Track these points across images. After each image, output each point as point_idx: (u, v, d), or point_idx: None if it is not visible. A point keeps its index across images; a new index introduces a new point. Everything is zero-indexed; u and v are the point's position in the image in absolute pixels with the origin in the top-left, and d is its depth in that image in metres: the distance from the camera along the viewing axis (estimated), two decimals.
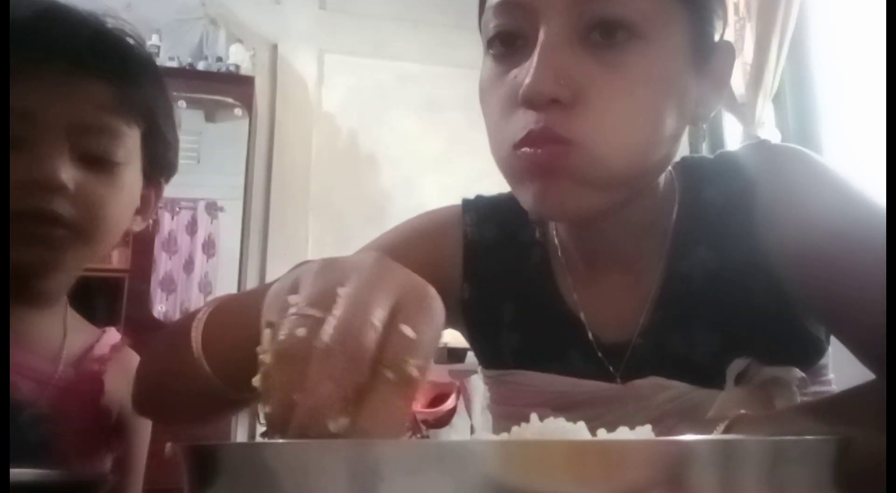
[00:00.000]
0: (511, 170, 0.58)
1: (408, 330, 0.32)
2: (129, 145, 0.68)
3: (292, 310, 0.33)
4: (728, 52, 0.61)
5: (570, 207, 0.56)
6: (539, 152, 0.54)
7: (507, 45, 0.58)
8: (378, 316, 0.32)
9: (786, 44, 2.32)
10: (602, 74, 0.54)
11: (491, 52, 0.59)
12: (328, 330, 0.32)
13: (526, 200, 0.58)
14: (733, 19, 2.50)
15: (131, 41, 0.71)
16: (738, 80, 2.47)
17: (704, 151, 2.75)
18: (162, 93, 0.73)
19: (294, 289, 0.36)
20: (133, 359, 0.78)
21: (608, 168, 0.55)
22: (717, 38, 0.61)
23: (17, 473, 0.44)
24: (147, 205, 0.75)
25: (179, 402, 0.59)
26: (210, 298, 3.15)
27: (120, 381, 0.73)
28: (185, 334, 0.55)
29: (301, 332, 0.32)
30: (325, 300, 0.33)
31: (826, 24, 2.44)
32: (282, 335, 0.32)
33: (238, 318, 0.51)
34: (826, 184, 0.60)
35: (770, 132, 2.39)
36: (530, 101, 0.53)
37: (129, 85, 0.67)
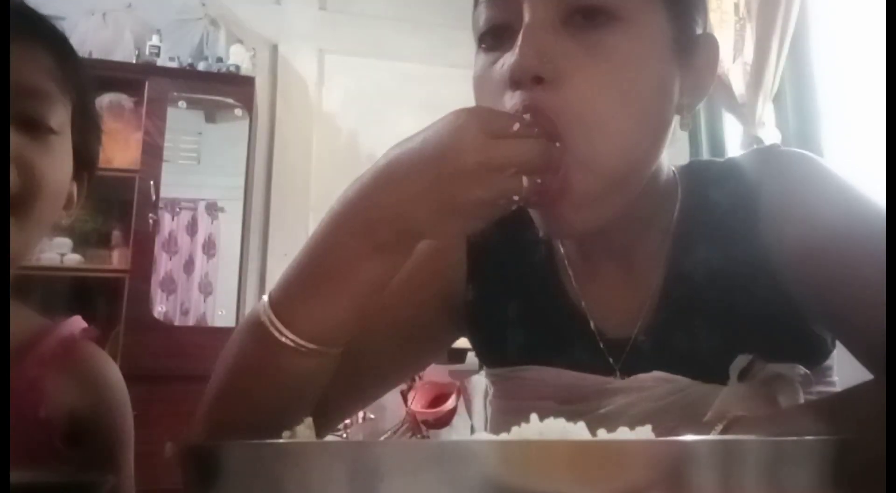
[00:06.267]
0: None
1: None
2: (62, 116, 0.67)
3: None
4: (711, 45, 0.63)
5: (578, 228, 0.58)
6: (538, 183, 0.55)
7: (496, 37, 0.59)
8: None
9: (786, 44, 2.32)
10: (584, 55, 0.56)
11: (482, 46, 0.61)
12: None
13: (535, 220, 0.60)
14: (733, 19, 2.50)
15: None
16: (738, 81, 2.47)
17: (705, 151, 2.76)
18: (88, 78, 0.72)
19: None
20: (93, 354, 0.72)
21: (601, 171, 0.56)
22: (699, 31, 0.62)
23: (17, 474, 0.45)
24: (71, 200, 0.71)
25: (261, 402, 0.56)
26: (210, 298, 3.18)
27: (71, 382, 0.68)
28: (253, 323, 0.55)
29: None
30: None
31: (826, 24, 2.44)
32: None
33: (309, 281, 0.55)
34: (829, 188, 0.61)
35: (770, 132, 2.39)
36: (516, 78, 0.55)
37: (67, 56, 0.68)
